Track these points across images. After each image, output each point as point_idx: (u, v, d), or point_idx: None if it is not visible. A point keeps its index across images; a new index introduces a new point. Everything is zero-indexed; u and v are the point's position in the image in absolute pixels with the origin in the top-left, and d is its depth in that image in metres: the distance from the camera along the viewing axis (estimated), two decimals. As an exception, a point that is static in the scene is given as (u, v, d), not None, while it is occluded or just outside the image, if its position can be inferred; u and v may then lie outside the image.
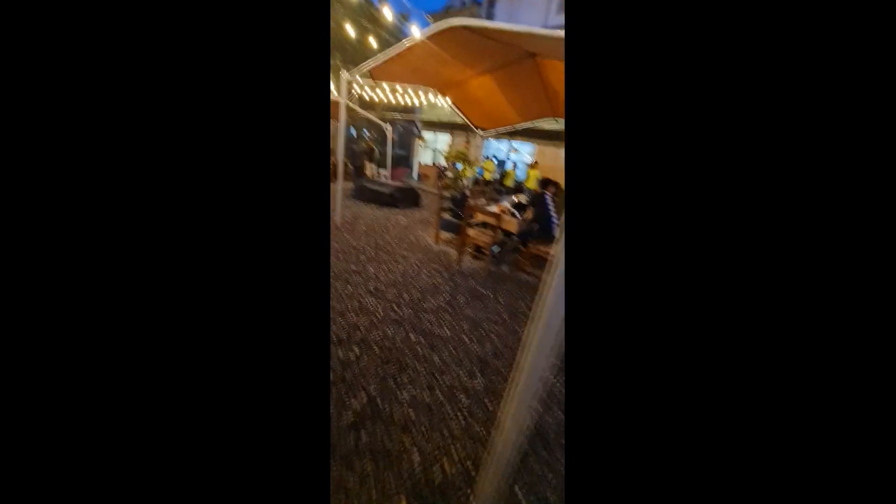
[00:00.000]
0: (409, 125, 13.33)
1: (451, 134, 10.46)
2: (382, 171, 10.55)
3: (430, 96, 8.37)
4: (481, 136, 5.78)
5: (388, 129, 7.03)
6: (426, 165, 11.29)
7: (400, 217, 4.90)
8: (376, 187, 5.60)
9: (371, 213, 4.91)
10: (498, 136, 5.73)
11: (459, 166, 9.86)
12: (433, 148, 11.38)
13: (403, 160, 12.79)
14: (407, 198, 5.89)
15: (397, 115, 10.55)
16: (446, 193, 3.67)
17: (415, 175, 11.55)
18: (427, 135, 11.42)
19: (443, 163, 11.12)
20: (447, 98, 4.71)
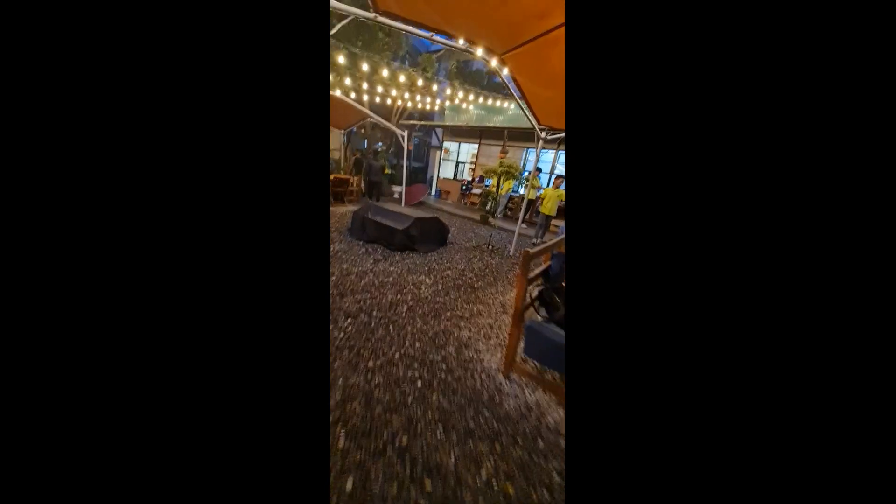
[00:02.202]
0: (425, 134, 11.39)
1: (479, 143, 8.37)
2: (396, 189, 8.57)
3: (459, 96, 6.32)
4: (544, 141, 3.66)
5: (404, 136, 5.05)
6: (447, 180, 9.24)
7: (422, 277, 2.74)
8: (385, 220, 3.53)
9: (371, 270, 2.82)
10: (545, 146, 3.61)
11: (489, 182, 7.74)
12: (455, 159, 9.33)
13: (420, 174, 10.83)
14: (429, 235, 3.76)
15: (414, 122, 8.58)
16: (534, 270, 1.33)
17: (433, 191, 9.53)
18: (448, 144, 9.39)
19: (467, 176, 9.06)
20: (504, 70, 2.58)
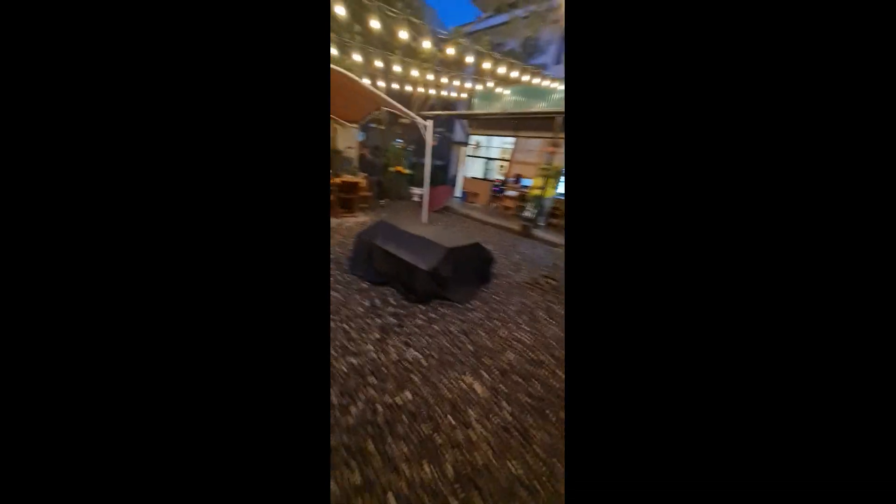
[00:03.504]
0: (446, 129, 9.98)
1: (516, 135, 6.89)
2: (416, 191, 7.31)
3: (500, 72, 4.79)
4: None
5: (428, 126, 3.78)
6: (475, 180, 7.85)
7: (467, 380, 1.39)
8: (401, 251, 2.22)
9: (372, 365, 1.57)
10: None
11: (527, 182, 6.28)
12: (485, 156, 7.90)
13: (440, 172, 9.49)
14: (467, 271, 2.38)
15: (439, 112, 7.22)
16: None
17: (458, 192, 8.18)
18: (476, 138, 7.96)
19: (498, 175, 7.61)
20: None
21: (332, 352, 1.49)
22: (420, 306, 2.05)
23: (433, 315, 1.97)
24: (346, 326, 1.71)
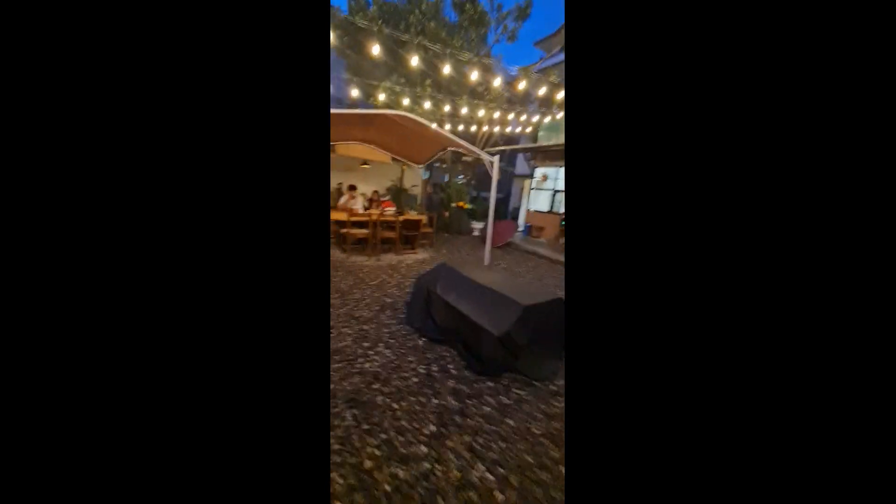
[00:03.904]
0: (507, 164, 9.83)
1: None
2: (476, 226, 7.11)
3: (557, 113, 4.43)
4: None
5: (494, 161, 3.58)
6: (540, 213, 7.29)
7: None
8: (465, 306, 1.83)
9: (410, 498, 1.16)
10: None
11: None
12: (552, 188, 7.35)
13: (501, 206, 9.19)
14: (546, 335, 1.77)
15: (504, 147, 7.15)
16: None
17: (521, 225, 7.68)
18: (542, 170, 7.52)
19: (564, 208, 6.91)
20: None
21: (377, 452, 1.14)
22: (488, 382, 1.60)
23: (505, 399, 1.48)
24: (397, 406, 1.37)
